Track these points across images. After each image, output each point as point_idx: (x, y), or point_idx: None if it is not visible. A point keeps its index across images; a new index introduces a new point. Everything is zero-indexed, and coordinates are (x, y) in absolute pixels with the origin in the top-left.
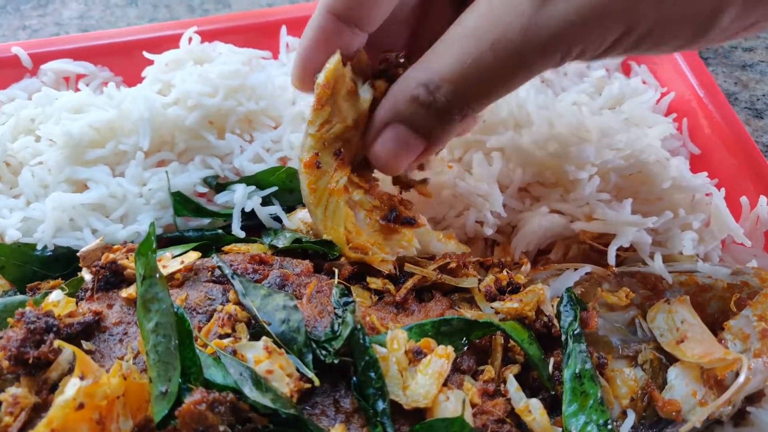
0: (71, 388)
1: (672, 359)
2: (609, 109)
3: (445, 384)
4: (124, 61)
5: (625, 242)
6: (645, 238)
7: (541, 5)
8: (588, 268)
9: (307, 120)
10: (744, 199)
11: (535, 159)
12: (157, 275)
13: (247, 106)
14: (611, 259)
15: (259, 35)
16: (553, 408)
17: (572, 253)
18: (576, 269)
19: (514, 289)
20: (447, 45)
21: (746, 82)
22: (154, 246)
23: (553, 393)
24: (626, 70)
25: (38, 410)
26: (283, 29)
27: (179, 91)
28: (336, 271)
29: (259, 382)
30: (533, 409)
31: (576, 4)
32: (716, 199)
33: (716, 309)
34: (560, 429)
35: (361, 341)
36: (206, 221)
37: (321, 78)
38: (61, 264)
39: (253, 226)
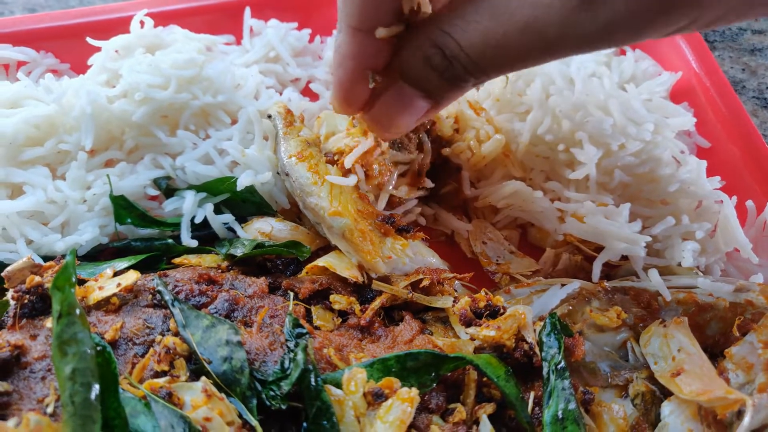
0: None
1: (666, 391)
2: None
3: (409, 430)
4: (71, 46)
5: (614, 256)
6: (640, 252)
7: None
8: (576, 284)
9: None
10: (750, 203)
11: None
12: (77, 312)
13: (203, 99)
14: (596, 276)
15: (220, 17)
16: None
17: (562, 263)
18: (563, 285)
19: (493, 312)
20: (475, 13)
21: (755, 69)
22: (73, 279)
23: None
24: (620, 52)
25: None
26: (247, 11)
27: (127, 83)
28: (291, 294)
29: None
30: None
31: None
32: (726, 208)
33: (717, 331)
34: None
35: (313, 384)
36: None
37: None
38: None
39: (205, 236)
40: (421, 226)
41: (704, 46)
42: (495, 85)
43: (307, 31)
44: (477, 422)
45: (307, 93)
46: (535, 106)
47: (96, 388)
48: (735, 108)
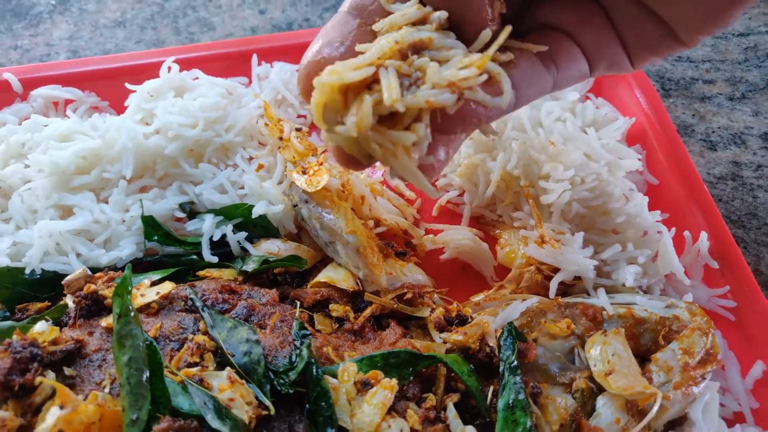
0: (51, 417)
1: (601, 388)
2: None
3: (389, 411)
4: (110, 86)
5: (568, 277)
6: (590, 273)
7: None
8: (535, 299)
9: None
10: (687, 234)
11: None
12: (132, 314)
13: (224, 137)
14: (552, 292)
15: (233, 62)
16: None
17: (525, 281)
18: (524, 300)
19: (462, 320)
20: None
21: (704, 114)
22: (129, 288)
23: (489, 420)
24: (584, 98)
25: (23, 431)
26: (254, 58)
27: (161, 122)
28: (298, 303)
29: (220, 410)
30: None
31: None
32: (665, 238)
33: (649, 340)
34: None
35: (315, 374)
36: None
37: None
38: (48, 287)
39: (221, 255)
40: (414, 251)
41: (656, 94)
42: None
43: None
44: (444, 408)
45: (313, 127)
46: (505, 146)
47: (146, 373)
48: (679, 151)
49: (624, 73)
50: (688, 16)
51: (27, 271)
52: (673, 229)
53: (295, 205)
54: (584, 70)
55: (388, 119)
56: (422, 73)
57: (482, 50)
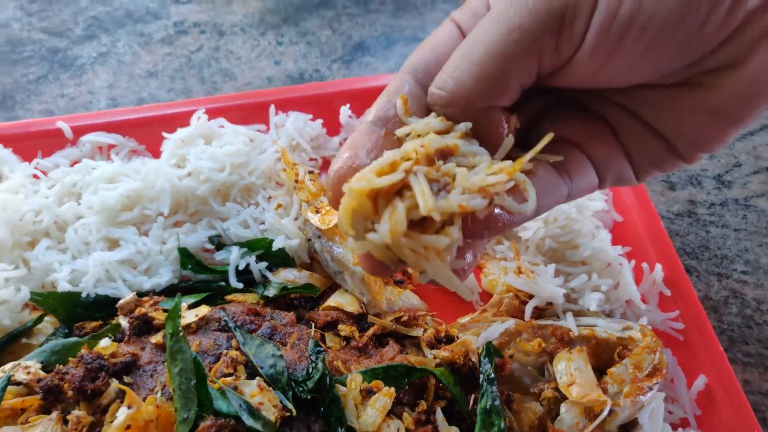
0: (121, 414)
1: (564, 396)
2: None
3: (388, 414)
4: (146, 132)
5: (541, 302)
6: (560, 300)
7: None
8: (512, 321)
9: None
10: (645, 265)
11: None
12: (181, 334)
13: (247, 179)
14: (527, 315)
15: (255, 111)
16: None
17: (505, 306)
18: (503, 321)
19: (449, 339)
20: None
21: None
22: (179, 312)
23: (470, 422)
24: None
25: (93, 427)
26: (272, 108)
27: (193, 167)
28: (312, 324)
29: (253, 411)
30: None
31: None
32: (625, 269)
33: (608, 357)
34: None
35: (328, 383)
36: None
37: None
38: (101, 308)
39: (245, 281)
40: (409, 279)
41: None
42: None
43: (320, 121)
44: (434, 412)
45: (324, 167)
46: None
47: (193, 381)
48: (641, 192)
49: (628, 186)
50: (691, 135)
51: (83, 295)
52: (633, 261)
53: (309, 239)
54: (594, 182)
55: (418, 224)
56: (450, 179)
57: (506, 158)
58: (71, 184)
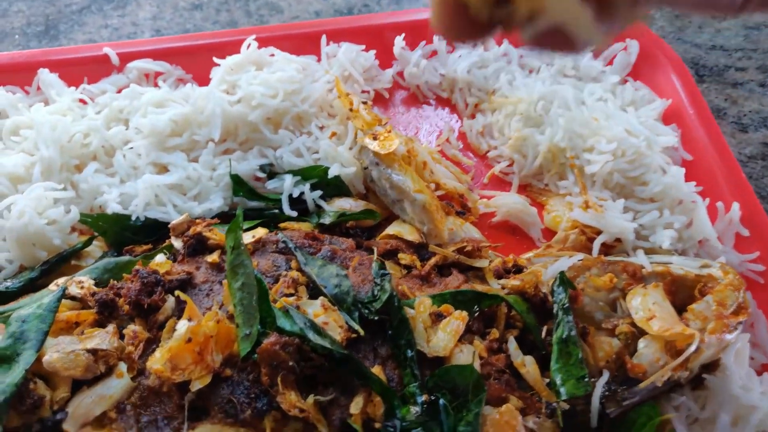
0: (183, 326)
1: (643, 333)
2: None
3: (459, 340)
4: (193, 61)
5: (609, 239)
6: (630, 235)
7: None
8: (580, 256)
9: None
10: (720, 204)
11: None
12: (242, 247)
13: (300, 107)
14: (595, 252)
15: (305, 42)
16: (543, 364)
17: (570, 242)
18: (571, 256)
19: (518, 270)
20: None
21: (735, 99)
22: (241, 225)
23: (544, 353)
24: (623, 81)
25: (150, 343)
26: (324, 38)
27: (244, 92)
28: (375, 248)
29: (318, 330)
30: (528, 364)
31: None
32: (699, 207)
33: (685, 295)
34: (548, 380)
35: (396, 304)
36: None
37: None
38: (150, 232)
39: (298, 211)
40: (470, 211)
41: (691, 79)
42: (522, 105)
43: (372, 52)
44: (505, 341)
45: (376, 100)
46: (552, 121)
47: (255, 297)
48: (713, 129)
49: None
50: None
51: (133, 218)
52: (707, 200)
53: (365, 168)
54: None
55: None
56: None
57: None
58: (118, 109)
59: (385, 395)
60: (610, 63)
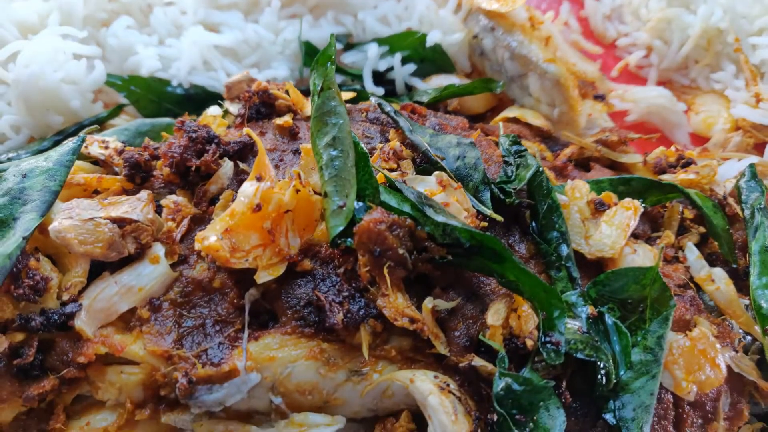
0: (251, 187)
1: None
2: None
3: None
4: None
5: None
6: None
7: None
8: (753, 158)
9: None
10: None
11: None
12: (334, 89)
13: None
14: (767, 155)
15: None
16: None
17: (733, 145)
18: (740, 159)
19: (686, 163)
20: None
21: None
22: (333, 57)
23: (735, 267)
24: None
25: (197, 222)
26: None
27: None
28: (501, 125)
29: (438, 208)
30: (717, 279)
31: None
32: None
33: None
34: (746, 302)
35: (544, 184)
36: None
37: None
38: (194, 104)
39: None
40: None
41: None
42: None
43: None
44: (681, 249)
45: None
46: None
47: (351, 157)
48: None
49: None
50: None
51: (173, 84)
52: None
53: (475, 36)
54: None
55: None
56: None
57: None
58: None
59: (545, 300)
60: None
